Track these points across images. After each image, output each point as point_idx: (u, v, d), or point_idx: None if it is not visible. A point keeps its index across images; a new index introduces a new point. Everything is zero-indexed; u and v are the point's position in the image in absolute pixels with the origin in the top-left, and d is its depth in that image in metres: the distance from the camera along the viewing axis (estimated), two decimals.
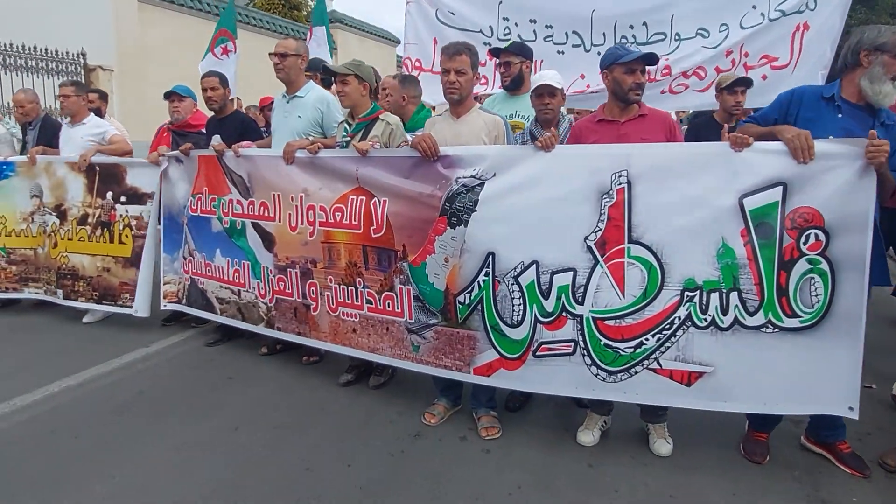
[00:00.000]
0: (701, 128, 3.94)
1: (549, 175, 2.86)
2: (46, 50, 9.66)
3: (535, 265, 2.89)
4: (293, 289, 3.75)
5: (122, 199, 4.75)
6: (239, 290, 4.11)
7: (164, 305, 4.63)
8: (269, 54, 3.99)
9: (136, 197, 4.71)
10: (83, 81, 10.26)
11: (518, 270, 2.92)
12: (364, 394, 3.64)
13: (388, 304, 3.32)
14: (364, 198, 3.34)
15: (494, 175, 2.94)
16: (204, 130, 4.70)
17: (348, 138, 3.58)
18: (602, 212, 2.75)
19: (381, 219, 3.27)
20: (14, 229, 5.17)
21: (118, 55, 10.59)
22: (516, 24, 4.58)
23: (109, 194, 4.79)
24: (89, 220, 4.86)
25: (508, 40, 4.45)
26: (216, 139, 4.29)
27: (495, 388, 3.16)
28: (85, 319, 4.97)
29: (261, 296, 3.96)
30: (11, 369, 3.97)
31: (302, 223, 3.62)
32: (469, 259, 3.01)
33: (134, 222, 4.72)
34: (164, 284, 4.64)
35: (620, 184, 2.71)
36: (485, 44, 4.60)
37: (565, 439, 3.11)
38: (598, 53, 4.51)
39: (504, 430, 3.16)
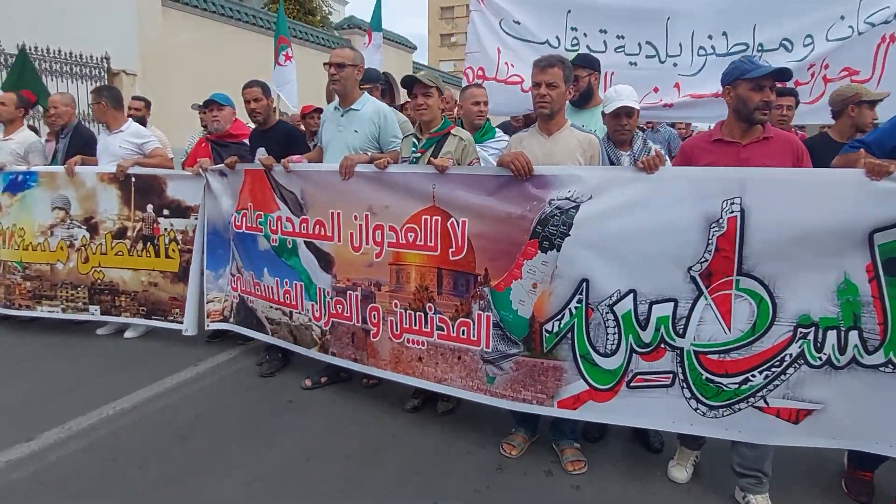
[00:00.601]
0: (816, 148, 3.69)
1: (652, 199, 2.65)
2: (71, 54, 9.50)
3: (632, 294, 2.69)
4: (352, 312, 3.53)
5: (165, 212, 4.54)
6: (291, 312, 3.88)
7: (209, 325, 4.39)
8: (325, 64, 3.78)
9: (180, 210, 4.51)
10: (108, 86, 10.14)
11: (614, 299, 2.72)
12: (433, 421, 3.44)
13: (463, 331, 3.11)
14: (439, 217, 3.12)
15: (591, 197, 2.74)
16: (246, 141, 4.50)
17: (418, 154, 3.39)
18: (710, 241, 2.54)
19: (461, 240, 3.06)
20: (31, 243, 4.87)
21: (141, 60, 10.43)
22: (585, 35, 4.39)
23: (150, 207, 4.57)
24: (128, 233, 4.64)
25: (576, 51, 4.27)
26: (261, 152, 4.11)
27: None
28: (127, 335, 4.79)
29: (315, 318, 3.74)
30: (58, 390, 3.77)
31: (367, 243, 3.41)
32: (560, 285, 2.81)
33: (179, 236, 4.53)
34: (208, 303, 4.40)
35: (732, 212, 2.50)
36: None
37: (654, 474, 2.93)
38: (674, 65, 4.37)
39: (589, 464, 2.98)
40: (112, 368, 4.16)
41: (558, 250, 2.80)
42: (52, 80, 9.18)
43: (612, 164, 3.02)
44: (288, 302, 3.88)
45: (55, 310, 4.85)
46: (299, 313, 3.84)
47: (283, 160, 3.77)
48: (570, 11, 4.43)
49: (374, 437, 3.26)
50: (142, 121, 5.42)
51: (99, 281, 4.73)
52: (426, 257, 3.21)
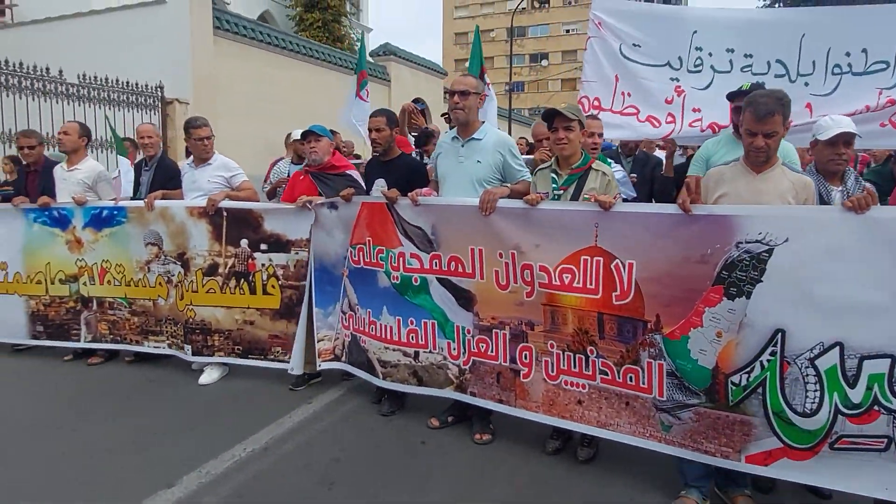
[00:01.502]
0: None
1: (860, 242, 2.41)
2: (127, 83, 9.47)
3: (838, 347, 2.43)
4: (499, 351, 3.30)
5: (262, 246, 4.28)
6: (416, 352, 3.63)
7: (321, 365, 4.12)
8: (447, 91, 3.60)
9: (280, 244, 4.24)
10: (162, 114, 10.09)
11: (815, 352, 2.46)
12: (577, 467, 3.15)
13: (631, 378, 2.87)
14: (602, 259, 2.90)
15: (787, 240, 2.49)
16: (351, 173, 4.28)
17: (560, 191, 3.17)
18: None
19: (626, 284, 2.84)
20: (133, 278, 4.70)
21: (194, 88, 10.39)
22: (710, 55, 4.17)
23: (244, 242, 4.31)
24: (220, 270, 4.37)
25: (699, 71, 4.10)
26: (380, 184, 3.92)
27: None
28: (202, 380, 4.36)
29: (452, 357, 3.50)
30: (178, 429, 3.59)
31: (515, 282, 3.18)
32: (750, 335, 2.56)
33: (280, 271, 4.25)
34: (319, 341, 4.14)
35: None
36: (672, 79, 4.23)
37: None
38: (806, 84, 4.13)
39: None
40: (219, 408, 3.92)
41: (748, 297, 2.56)
42: (108, 108, 9.13)
43: (822, 200, 2.75)
44: (412, 342, 3.64)
45: (161, 345, 4.67)
46: (429, 352, 3.59)
47: (410, 193, 3.55)
48: (696, 32, 4.23)
49: (527, 485, 3.00)
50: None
51: (191, 319, 4.46)
52: (585, 300, 2.98)
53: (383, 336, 3.77)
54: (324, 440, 3.49)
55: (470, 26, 62.78)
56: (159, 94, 9.98)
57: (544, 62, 61.45)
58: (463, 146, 3.57)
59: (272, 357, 4.32)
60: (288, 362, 4.22)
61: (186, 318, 4.48)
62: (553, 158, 3.33)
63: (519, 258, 3.17)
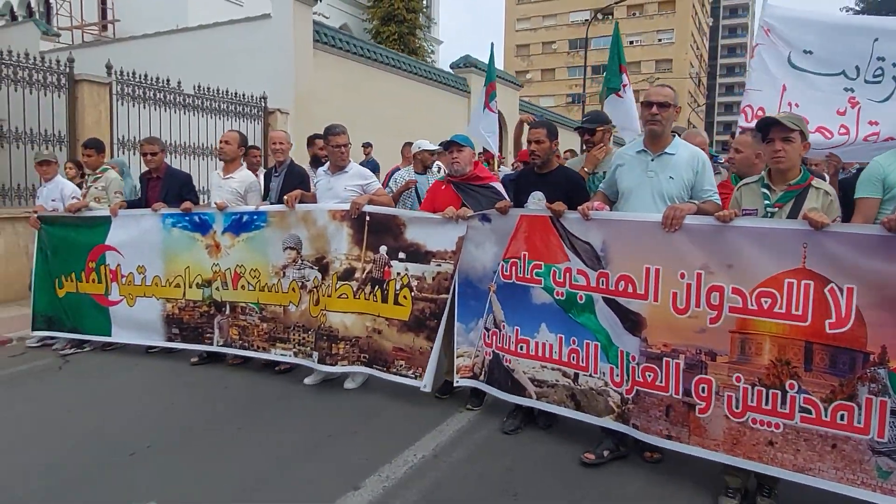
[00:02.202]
0: None
1: None
2: (236, 94, 9.72)
3: None
4: (669, 382, 3.02)
5: (401, 255, 4.11)
6: (576, 374, 3.41)
7: (458, 382, 3.92)
8: (642, 103, 3.32)
9: (419, 254, 4.06)
10: (264, 124, 10.32)
11: None
12: None
13: (842, 416, 2.57)
14: (812, 282, 2.62)
15: None
16: (495, 185, 4.11)
17: (775, 208, 2.85)
18: None
19: (844, 311, 2.54)
20: (267, 283, 4.60)
21: (295, 99, 10.59)
22: (894, 65, 3.85)
23: (383, 248, 4.16)
24: (356, 274, 4.24)
25: (878, 82, 3.77)
26: (538, 196, 3.72)
27: None
28: (347, 385, 4.34)
29: (614, 384, 3.26)
30: (340, 434, 3.56)
31: (698, 306, 2.91)
32: None
33: (415, 283, 4.06)
34: (458, 357, 3.94)
35: None
36: (846, 89, 3.91)
37: None
38: None
39: None
40: (373, 414, 3.90)
41: None
42: (216, 118, 9.37)
43: None
44: (573, 362, 3.42)
45: (287, 353, 4.52)
46: (590, 376, 3.36)
47: (581, 207, 3.34)
48: (877, 39, 3.89)
49: None
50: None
51: (322, 325, 4.31)
52: (789, 328, 2.70)
53: (540, 354, 3.56)
54: (490, 450, 3.41)
55: (531, 38, 62.52)
56: (262, 104, 10.20)
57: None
58: (653, 160, 3.28)
59: (394, 371, 4.10)
60: (410, 377, 4.03)
61: (320, 324, 4.33)
62: (764, 172, 3.03)
63: (706, 279, 2.91)
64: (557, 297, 3.48)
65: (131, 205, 5.33)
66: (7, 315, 6.33)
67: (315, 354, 4.33)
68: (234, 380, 4.56)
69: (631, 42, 58.82)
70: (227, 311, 4.79)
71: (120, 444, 3.44)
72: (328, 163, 4.67)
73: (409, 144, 6.09)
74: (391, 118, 12.29)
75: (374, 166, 6.89)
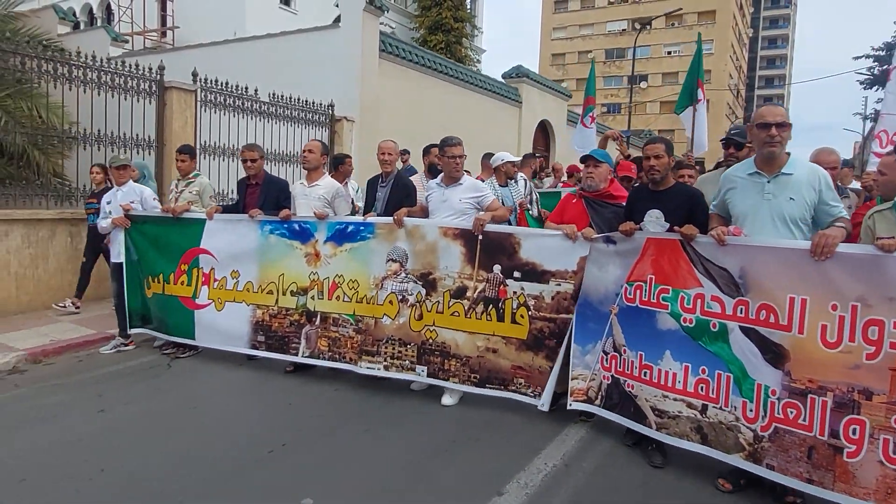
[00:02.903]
0: None
1: None
2: (306, 101, 9.85)
3: None
4: (814, 421, 2.88)
5: (516, 273, 4.06)
6: (704, 406, 3.28)
7: (571, 405, 3.86)
8: (758, 125, 3.16)
9: (535, 273, 4.01)
10: (330, 131, 10.44)
11: None
12: None
13: None
14: None
15: None
16: (626, 203, 3.93)
17: None
18: None
19: None
20: (366, 295, 4.55)
21: (361, 107, 10.69)
22: None
23: (497, 267, 4.12)
24: (468, 293, 4.20)
25: None
26: (655, 215, 3.60)
27: None
28: (445, 401, 4.27)
29: (747, 420, 3.10)
30: (463, 441, 3.63)
31: (852, 340, 2.79)
32: None
33: (532, 302, 4.01)
34: (573, 380, 3.88)
35: None
36: None
37: None
38: None
39: None
40: (485, 421, 3.97)
41: None
42: (286, 125, 9.49)
43: None
44: (701, 393, 3.30)
45: (375, 366, 4.46)
46: (719, 409, 3.23)
47: (714, 232, 3.23)
48: None
49: None
50: None
51: (430, 340, 4.30)
52: None
53: (662, 383, 3.46)
54: (618, 461, 3.44)
55: (567, 48, 62.19)
56: (330, 112, 10.31)
57: (643, 84, 59.90)
58: (769, 182, 3.17)
59: (513, 388, 4.10)
60: (530, 395, 4.02)
61: (425, 339, 4.32)
62: None
63: (862, 312, 2.80)
64: (685, 324, 3.38)
65: (226, 210, 5.40)
66: (101, 312, 6.52)
67: (422, 369, 4.31)
68: (339, 384, 4.61)
69: (669, 52, 58.16)
70: (318, 322, 4.74)
71: (254, 440, 3.59)
72: (440, 174, 4.65)
73: (488, 156, 6.08)
74: (449, 127, 12.28)
75: (411, 172, 6.89)
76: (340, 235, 4.70)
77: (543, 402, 3.94)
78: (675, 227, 3.46)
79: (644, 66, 59.84)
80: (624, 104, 58.78)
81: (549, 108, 17.63)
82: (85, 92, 6.88)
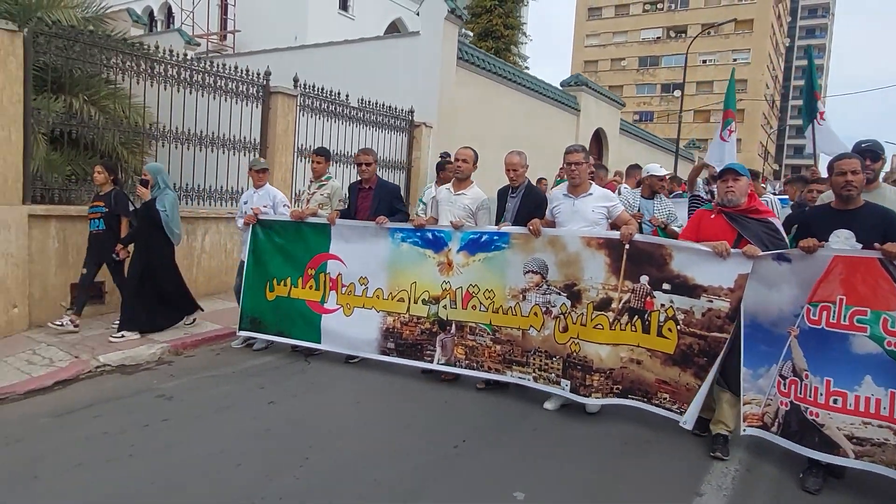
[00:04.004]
0: None
1: None
2: (391, 107, 10.06)
3: None
4: None
5: (665, 286, 3.90)
6: None
7: (745, 430, 3.62)
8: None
9: (686, 287, 3.83)
10: (409, 137, 10.64)
11: None
12: None
13: None
14: None
15: None
16: (773, 220, 3.80)
17: None
18: None
19: None
20: (502, 305, 4.47)
21: (439, 114, 10.87)
22: None
23: (645, 278, 3.97)
24: (613, 305, 4.06)
25: None
26: (843, 234, 3.39)
27: None
28: (546, 406, 4.28)
29: None
30: (615, 449, 3.67)
31: None
32: None
33: (681, 316, 3.84)
34: (745, 404, 3.63)
35: None
36: None
37: None
38: None
39: None
40: (633, 439, 3.91)
41: None
42: (368, 129, 9.66)
43: None
44: None
45: (526, 377, 4.38)
46: None
47: None
48: None
49: None
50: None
51: (574, 354, 4.17)
52: None
53: (863, 409, 3.24)
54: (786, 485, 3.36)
55: (600, 55, 62.02)
56: (410, 117, 10.49)
57: (676, 93, 59.37)
58: None
59: (657, 402, 3.97)
60: (675, 412, 3.88)
61: (569, 353, 4.20)
62: None
63: None
64: (889, 348, 3.21)
65: (342, 215, 5.30)
66: (222, 307, 6.75)
67: (566, 383, 4.21)
68: (460, 389, 4.67)
69: (704, 61, 57.64)
70: (453, 330, 4.67)
71: (436, 436, 3.71)
72: (565, 185, 4.58)
73: (635, 167, 6.09)
74: (517, 134, 12.44)
75: None
76: (474, 245, 4.64)
77: (686, 420, 3.80)
78: (876, 245, 3.28)
79: (678, 74, 59.32)
80: (657, 112, 58.47)
81: (603, 116, 17.66)
82: (190, 93, 6.94)
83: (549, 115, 14.83)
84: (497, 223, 4.81)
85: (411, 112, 10.45)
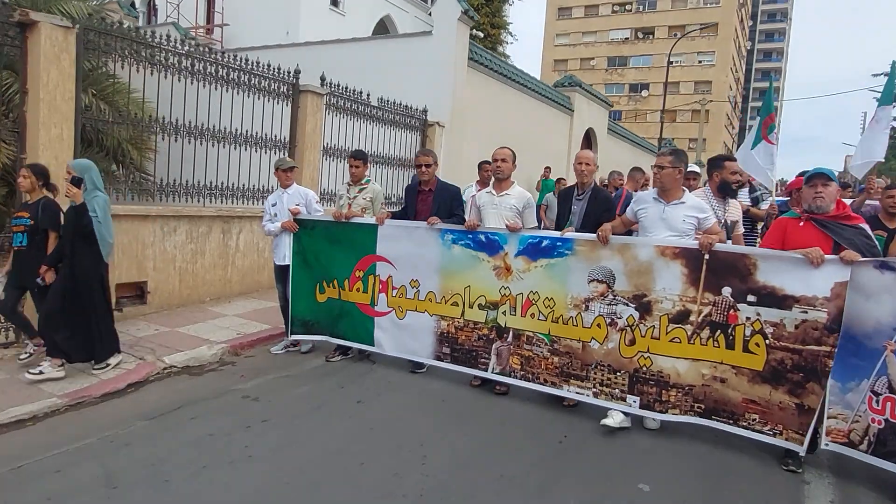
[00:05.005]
0: None
1: None
2: (407, 106, 10.07)
3: None
4: None
5: (750, 298, 3.66)
6: None
7: (826, 444, 3.50)
8: None
9: (775, 298, 3.60)
10: (422, 136, 10.66)
11: None
12: None
13: None
14: None
15: None
16: (864, 226, 3.67)
17: None
18: None
19: None
20: (562, 315, 4.22)
21: (451, 113, 10.94)
22: None
23: (727, 290, 3.73)
24: (691, 318, 3.81)
25: None
26: None
27: None
28: (605, 422, 3.92)
29: None
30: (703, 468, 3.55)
31: None
32: None
33: (770, 329, 3.60)
34: (829, 419, 3.50)
35: None
36: None
37: None
38: None
39: None
40: (713, 461, 3.70)
41: None
42: (383, 128, 9.67)
43: None
44: None
45: (585, 392, 4.15)
46: None
47: None
48: None
49: None
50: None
51: (644, 368, 3.94)
52: None
53: None
54: None
55: (570, 54, 62.76)
56: (423, 117, 10.52)
57: (644, 92, 60.60)
58: None
59: (744, 424, 3.71)
60: (768, 434, 3.66)
61: (637, 367, 3.98)
62: None
63: None
64: None
65: (394, 216, 5.20)
66: (261, 306, 6.71)
67: (634, 399, 3.98)
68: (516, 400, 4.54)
69: (671, 62, 59.01)
70: (510, 338, 4.47)
71: (534, 436, 3.80)
72: (656, 189, 4.28)
73: (637, 170, 6.11)
74: (522, 134, 12.63)
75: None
76: (534, 250, 4.39)
77: (805, 447, 3.56)
78: None
79: (646, 74, 60.57)
80: (625, 111, 59.50)
81: (594, 116, 18.00)
82: (216, 89, 6.76)
83: (547, 115, 15.07)
84: (561, 226, 4.58)
85: (425, 112, 10.49)
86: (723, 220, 4.31)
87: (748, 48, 71.48)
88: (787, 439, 3.59)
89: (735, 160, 4.40)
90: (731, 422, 3.76)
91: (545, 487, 3.17)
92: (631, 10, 61.10)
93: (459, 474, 3.25)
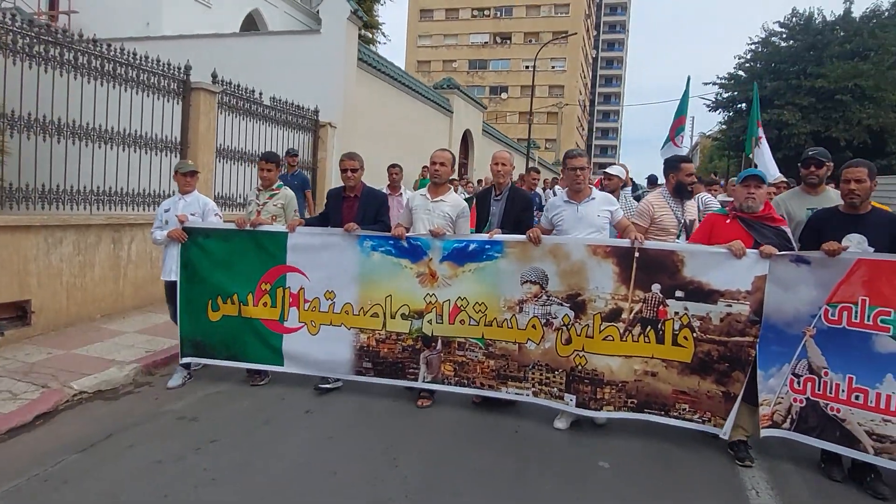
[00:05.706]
0: None
1: None
2: (299, 106, 9.76)
3: None
4: None
5: (678, 293, 3.78)
6: None
7: (762, 430, 3.63)
8: None
9: (701, 293, 3.74)
10: (314, 136, 10.40)
11: None
12: None
13: None
14: None
15: None
16: (786, 229, 3.84)
17: None
18: None
19: None
20: (496, 318, 4.15)
21: (343, 113, 10.79)
22: None
23: (657, 287, 3.82)
24: (623, 315, 3.88)
25: None
26: (857, 239, 3.50)
27: None
28: (556, 424, 4.07)
29: None
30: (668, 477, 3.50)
31: None
32: None
33: (697, 323, 3.74)
34: (759, 406, 3.66)
35: None
36: None
37: None
38: None
39: None
40: (662, 456, 3.76)
41: None
42: (272, 127, 9.30)
43: None
44: None
45: (524, 392, 4.14)
46: None
47: None
48: None
49: None
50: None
51: (580, 367, 3.97)
52: None
53: (883, 407, 3.35)
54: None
55: (433, 55, 64.14)
56: (315, 117, 10.28)
57: (504, 95, 63.50)
58: None
59: (675, 415, 3.84)
60: (696, 421, 3.82)
61: (574, 366, 4.00)
62: None
63: None
64: None
65: (308, 223, 4.87)
66: (160, 320, 6.17)
67: (571, 398, 4.00)
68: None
69: (527, 67, 62.47)
70: (439, 346, 4.31)
71: (489, 431, 3.95)
72: (564, 190, 4.39)
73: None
74: (407, 136, 12.82)
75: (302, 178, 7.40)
76: (460, 255, 4.24)
77: (725, 431, 3.73)
78: None
79: (504, 78, 63.44)
80: (487, 112, 61.88)
81: (471, 118, 18.67)
82: (89, 83, 6.02)
83: (429, 116, 15.38)
84: (480, 229, 4.47)
85: (316, 111, 10.27)
86: (681, 220, 4.45)
87: (594, 56, 77.70)
88: (714, 425, 3.78)
89: (691, 162, 4.58)
90: (662, 413, 3.87)
91: (521, 472, 3.35)
92: (489, 16, 63.53)
93: (436, 472, 3.31)
